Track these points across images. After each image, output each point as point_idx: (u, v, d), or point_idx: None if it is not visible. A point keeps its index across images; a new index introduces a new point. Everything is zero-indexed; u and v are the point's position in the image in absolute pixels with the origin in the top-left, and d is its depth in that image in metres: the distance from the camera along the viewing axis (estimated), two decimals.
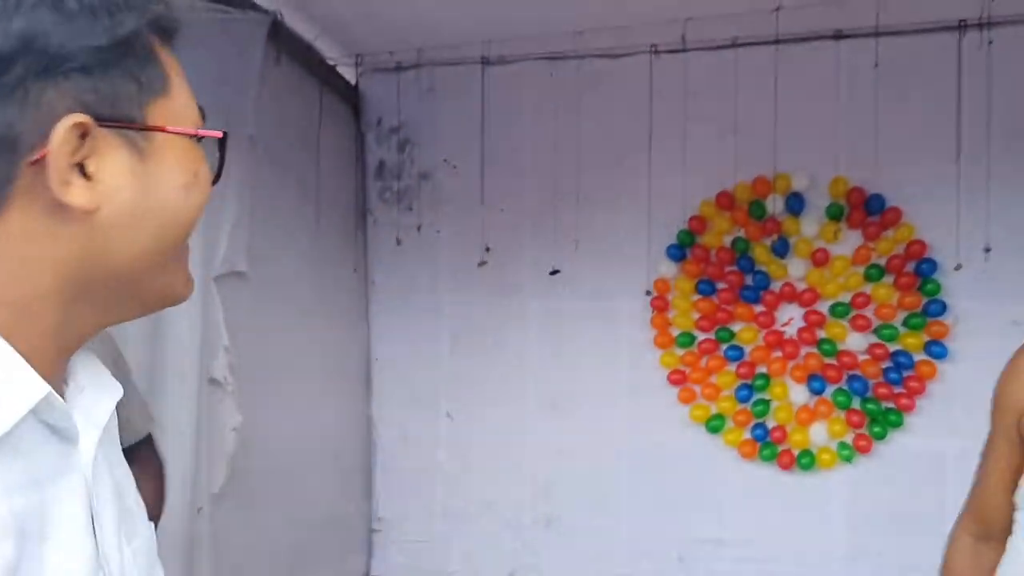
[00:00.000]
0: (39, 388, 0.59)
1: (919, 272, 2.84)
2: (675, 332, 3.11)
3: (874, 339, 2.91)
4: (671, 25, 2.79)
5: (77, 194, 0.59)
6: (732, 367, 3.05)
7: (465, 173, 3.27)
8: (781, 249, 2.97)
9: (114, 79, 0.61)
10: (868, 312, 2.91)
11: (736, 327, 3.05)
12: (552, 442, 3.25)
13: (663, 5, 2.68)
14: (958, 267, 2.73)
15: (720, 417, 3.05)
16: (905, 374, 2.87)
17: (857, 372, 2.91)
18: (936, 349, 2.83)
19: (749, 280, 3.03)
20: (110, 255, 0.62)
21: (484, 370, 3.33)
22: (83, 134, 0.59)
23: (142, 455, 1.52)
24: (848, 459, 2.93)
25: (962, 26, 2.68)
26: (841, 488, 2.97)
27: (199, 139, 0.67)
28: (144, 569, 0.74)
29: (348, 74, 3.37)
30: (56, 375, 0.65)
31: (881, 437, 2.89)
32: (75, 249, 0.61)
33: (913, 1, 2.54)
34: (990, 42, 2.62)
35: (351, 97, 3.38)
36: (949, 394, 2.84)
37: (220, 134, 0.68)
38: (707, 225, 3.06)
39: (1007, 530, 1.29)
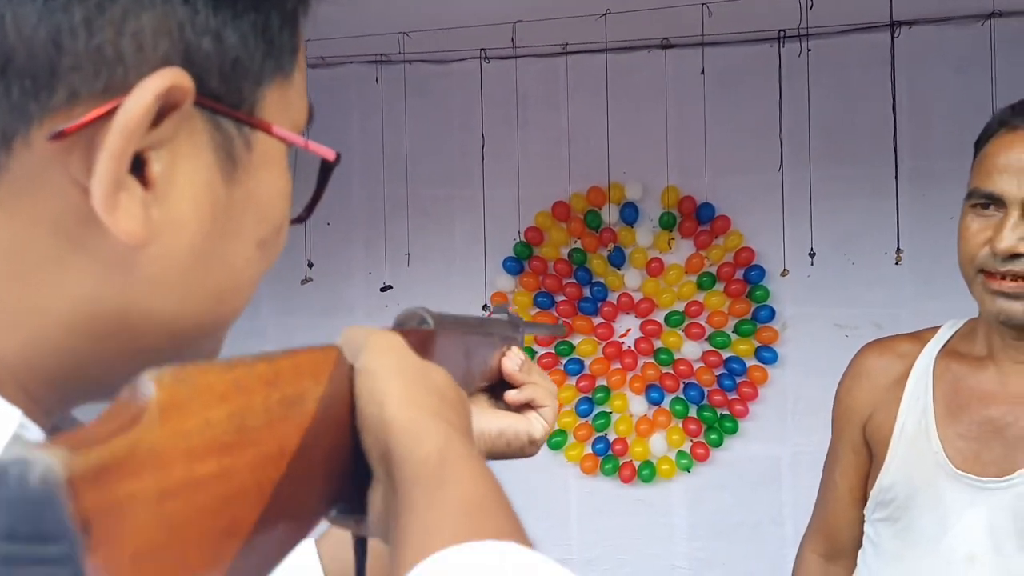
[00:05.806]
0: None
1: (748, 279, 2.87)
2: None
3: (708, 347, 2.91)
4: (501, 29, 2.68)
5: (125, 210, 0.34)
6: (572, 381, 2.98)
7: None
8: (617, 260, 2.93)
9: (241, 25, 0.36)
10: (701, 320, 2.92)
11: (576, 340, 2.98)
12: None
13: (492, 6, 2.57)
14: (784, 273, 2.77)
15: (562, 433, 2.97)
16: (738, 380, 2.88)
17: (693, 380, 2.91)
18: (766, 355, 2.87)
19: (587, 292, 2.97)
20: (144, 315, 0.37)
21: None
22: (164, 107, 0.34)
23: None
24: (687, 468, 2.91)
25: (781, 36, 2.73)
26: (681, 498, 2.95)
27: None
28: None
29: None
30: None
31: (718, 444, 2.89)
32: (85, 293, 0.35)
33: (736, 10, 2.55)
34: (808, 51, 2.68)
35: None
36: (780, 398, 2.89)
37: (333, 154, 0.44)
38: (544, 237, 2.98)
39: (858, 545, 1.22)
